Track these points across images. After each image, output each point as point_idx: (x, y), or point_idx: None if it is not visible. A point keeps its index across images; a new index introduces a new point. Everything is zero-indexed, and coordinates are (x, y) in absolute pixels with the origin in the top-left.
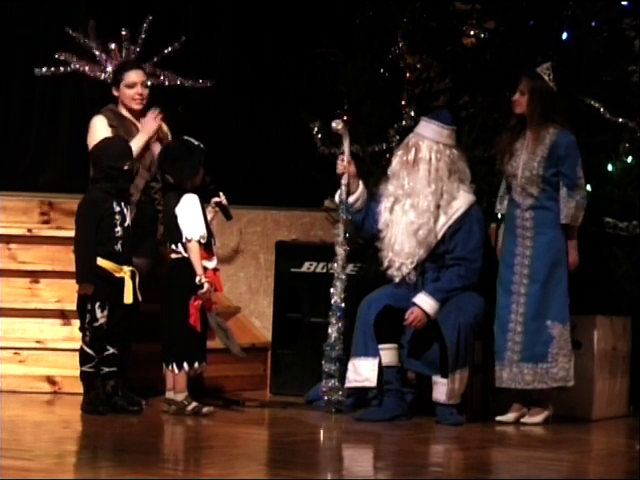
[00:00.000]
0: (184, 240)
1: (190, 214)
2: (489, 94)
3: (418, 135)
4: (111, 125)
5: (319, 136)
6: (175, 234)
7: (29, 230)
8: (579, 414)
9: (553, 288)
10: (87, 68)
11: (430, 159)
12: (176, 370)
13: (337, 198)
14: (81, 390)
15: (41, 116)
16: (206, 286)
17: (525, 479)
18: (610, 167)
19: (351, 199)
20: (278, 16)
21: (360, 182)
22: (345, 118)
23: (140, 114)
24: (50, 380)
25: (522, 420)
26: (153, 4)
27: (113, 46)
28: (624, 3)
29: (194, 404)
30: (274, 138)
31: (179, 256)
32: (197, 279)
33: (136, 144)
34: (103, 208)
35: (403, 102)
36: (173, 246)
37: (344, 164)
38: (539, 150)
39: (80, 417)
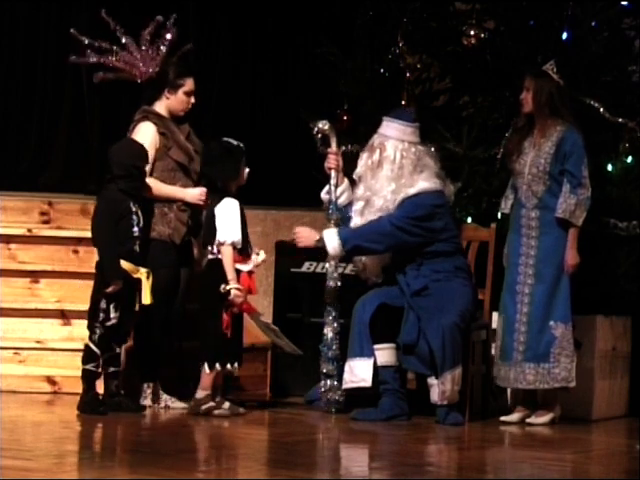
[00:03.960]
0: (217, 243)
1: (227, 218)
2: (489, 94)
3: (382, 136)
4: (161, 133)
5: (319, 136)
6: (210, 235)
7: (29, 230)
8: (579, 414)
9: (558, 289)
10: (127, 62)
11: (395, 158)
12: (207, 370)
13: (324, 195)
14: (81, 390)
15: (41, 116)
16: (232, 292)
17: (525, 479)
18: (610, 167)
19: (337, 192)
20: (278, 16)
21: (345, 177)
22: (345, 118)
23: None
24: (50, 380)
25: (528, 420)
26: (153, 4)
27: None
28: (624, 3)
29: (210, 404)
30: (274, 138)
31: (214, 257)
32: (222, 287)
33: (171, 191)
34: (122, 207)
35: (403, 102)
36: (209, 247)
37: (336, 157)
38: (546, 146)
39: (80, 417)
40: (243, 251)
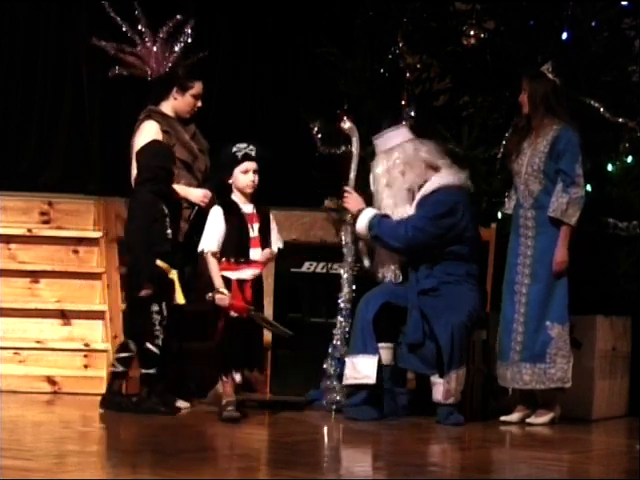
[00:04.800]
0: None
1: (208, 227)
2: (489, 94)
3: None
4: (164, 131)
5: (319, 136)
6: None
7: (29, 230)
8: (579, 414)
9: (554, 289)
10: (141, 57)
11: (384, 170)
12: (224, 378)
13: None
14: (81, 390)
15: (41, 116)
16: (216, 297)
17: (525, 479)
18: (610, 167)
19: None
20: (278, 16)
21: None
22: (345, 118)
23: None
24: (50, 380)
25: (528, 420)
26: (154, 4)
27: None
28: (624, 3)
29: (230, 408)
30: (274, 138)
31: None
32: (207, 296)
33: (175, 189)
34: (155, 210)
35: (403, 102)
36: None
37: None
38: (541, 145)
39: (80, 417)
40: (233, 259)
